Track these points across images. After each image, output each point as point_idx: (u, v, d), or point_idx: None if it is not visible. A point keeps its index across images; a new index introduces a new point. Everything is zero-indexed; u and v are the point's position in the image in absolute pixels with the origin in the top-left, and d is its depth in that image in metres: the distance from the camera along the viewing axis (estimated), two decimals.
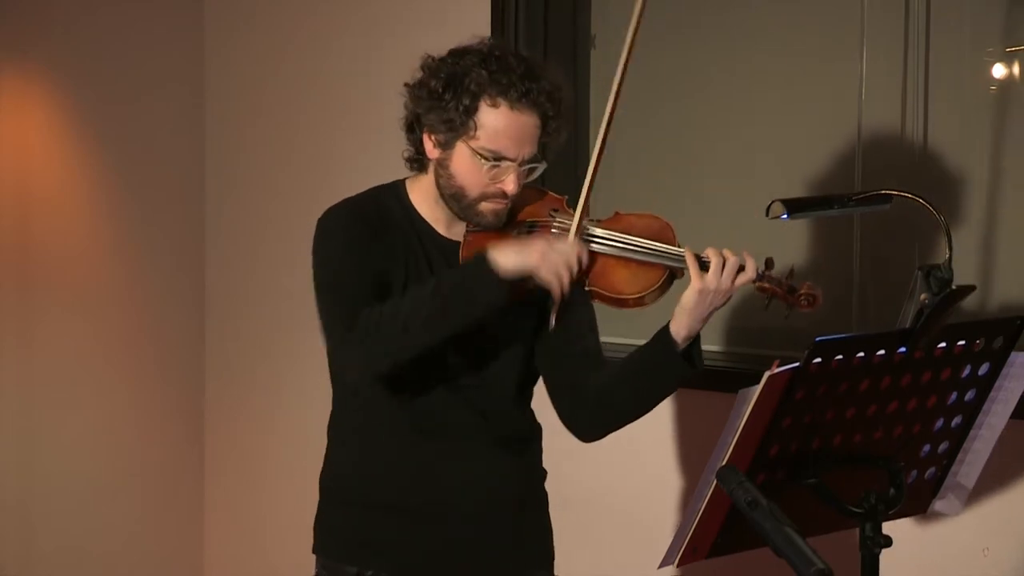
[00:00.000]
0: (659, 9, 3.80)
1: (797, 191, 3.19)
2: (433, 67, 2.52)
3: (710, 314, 2.43)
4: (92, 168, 4.23)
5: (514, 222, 2.55)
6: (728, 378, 3.16)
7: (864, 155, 3.40)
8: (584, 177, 2.50)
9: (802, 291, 2.41)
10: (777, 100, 3.56)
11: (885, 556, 2.16)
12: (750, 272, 2.41)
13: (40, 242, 4.09)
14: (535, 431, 2.71)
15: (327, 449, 2.71)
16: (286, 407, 4.32)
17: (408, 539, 2.60)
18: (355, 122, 4.15)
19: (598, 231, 2.50)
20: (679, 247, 2.46)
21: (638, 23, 2.52)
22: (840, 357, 2.09)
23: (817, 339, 2.07)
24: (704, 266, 2.41)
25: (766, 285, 2.42)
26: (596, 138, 2.50)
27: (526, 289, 2.43)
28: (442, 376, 2.56)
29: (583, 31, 3.87)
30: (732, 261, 2.41)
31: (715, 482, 2.07)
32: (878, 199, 2.57)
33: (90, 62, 4.20)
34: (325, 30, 4.24)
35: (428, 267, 2.56)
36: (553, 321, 2.45)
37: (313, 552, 2.71)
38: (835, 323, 3.42)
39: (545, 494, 2.74)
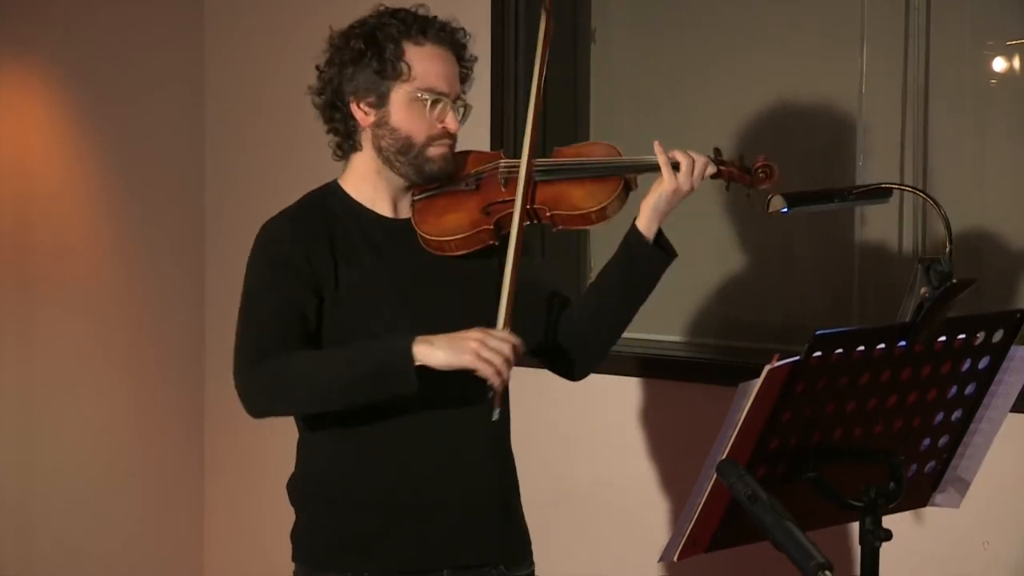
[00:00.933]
0: (659, 7, 3.80)
1: (797, 186, 3.17)
2: (343, 36, 2.58)
3: (674, 208, 2.55)
4: (92, 168, 4.23)
5: (461, 177, 2.59)
6: (728, 372, 3.17)
7: (865, 149, 3.40)
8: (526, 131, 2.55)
9: (758, 165, 2.54)
10: (778, 94, 3.56)
11: (885, 549, 2.16)
12: (710, 165, 2.53)
13: (40, 242, 4.09)
14: (506, 423, 2.69)
15: (298, 452, 2.69)
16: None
17: (391, 537, 2.57)
18: None
19: (544, 161, 2.56)
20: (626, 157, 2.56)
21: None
22: (840, 351, 2.09)
23: (817, 332, 2.06)
24: (676, 167, 2.51)
25: (723, 169, 2.54)
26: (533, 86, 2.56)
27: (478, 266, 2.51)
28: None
29: (583, 26, 3.87)
30: (700, 161, 2.52)
31: (715, 476, 2.06)
32: (878, 193, 2.57)
33: (90, 62, 4.20)
34: (325, 30, 4.23)
35: (376, 256, 2.56)
36: (496, 414, 2.44)
37: (292, 560, 2.68)
38: (835, 317, 3.42)
39: (516, 481, 2.72)
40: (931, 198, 2.46)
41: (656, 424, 3.57)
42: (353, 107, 2.55)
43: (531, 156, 2.53)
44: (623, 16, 3.85)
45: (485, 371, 2.38)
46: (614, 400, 3.57)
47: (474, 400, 2.54)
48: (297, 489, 2.68)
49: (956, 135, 3.33)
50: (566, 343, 2.65)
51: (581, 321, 2.63)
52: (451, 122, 2.53)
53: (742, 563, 2.80)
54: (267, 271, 2.56)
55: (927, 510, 2.43)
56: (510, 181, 2.54)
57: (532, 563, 2.70)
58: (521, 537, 2.70)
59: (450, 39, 2.56)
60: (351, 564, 2.58)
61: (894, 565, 2.40)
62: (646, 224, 2.53)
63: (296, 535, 2.68)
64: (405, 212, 2.59)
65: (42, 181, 4.10)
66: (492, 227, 2.53)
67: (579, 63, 3.86)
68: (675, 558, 2.18)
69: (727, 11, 3.68)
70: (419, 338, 2.40)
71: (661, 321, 3.59)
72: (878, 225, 3.40)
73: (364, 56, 2.52)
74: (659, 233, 2.56)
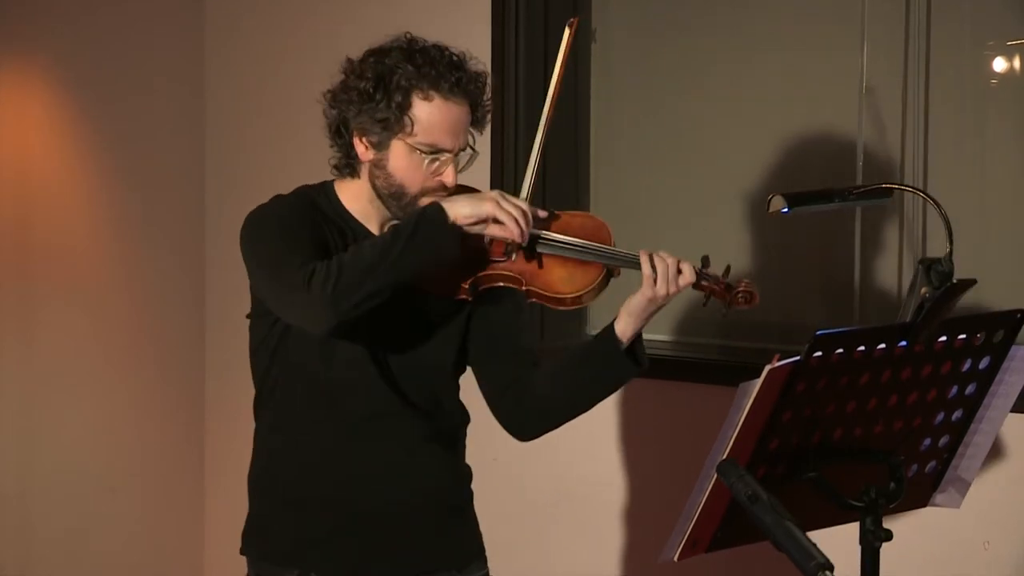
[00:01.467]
0: (659, 7, 3.80)
1: (798, 186, 3.18)
2: (357, 69, 2.52)
3: (653, 315, 2.48)
4: (92, 167, 4.23)
5: None
6: (728, 372, 3.17)
7: (865, 149, 3.40)
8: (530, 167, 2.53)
9: (739, 288, 2.46)
10: (778, 94, 3.56)
11: (886, 550, 2.16)
12: (690, 275, 2.44)
13: (40, 241, 4.09)
14: (463, 428, 2.69)
15: (253, 447, 2.67)
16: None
17: (340, 539, 2.56)
18: None
19: (536, 229, 2.48)
20: (614, 247, 2.48)
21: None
22: (841, 351, 2.09)
23: (818, 332, 2.06)
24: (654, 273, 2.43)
25: (704, 284, 2.47)
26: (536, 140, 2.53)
27: (461, 283, 2.45)
28: (368, 371, 2.53)
29: (583, 26, 3.87)
30: (674, 267, 2.43)
31: (715, 476, 2.07)
32: (879, 192, 2.56)
33: (90, 61, 4.20)
34: (324, 30, 4.24)
35: None
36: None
37: (241, 554, 2.67)
38: (835, 317, 3.42)
39: (471, 490, 2.71)
40: (931, 198, 2.46)
41: (656, 424, 3.57)
42: (355, 139, 2.52)
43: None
44: (623, 16, 3.85)
45: (504, 217, 2.37)
46: (614, 400, 3.57)
47: (425, 408, 2.56)
48: (255, 485, 2.67)
49: (956, 135, 3.33)
50: (519, 405, 2.61)
51: (540, 391, 2.59)
52: (448, 177, 2.48)
53: (742, 563, 2.80)
54: (280, 222, 2.51)
55: (927, 510, 2.43)
56: (495, 241, 2.48)
57: (485, 566, 2.70)
58: (473, 541, 2.70)
59: (463, 91, 2.48)
60: (299, 563, 2.58)
61: (895, 565, 2.40)
62: (622, 328, 2.47)
63: (247, 529, 2.68)
64: None
65: (42, 181, 4.10)
66: (468, 284, 2.48)
67: (579, 63, 3.85)
68: (675, 558, 2.19)
69: (727, 11, 3.68)
70: (444, 200, 2.40)
71: (661, 321, 3.58)
72: (878, 225, 3.40)
73: (372, 99, 2.47)
74: (638, 338, 2.51)
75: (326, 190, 2.62)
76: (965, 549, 3.09)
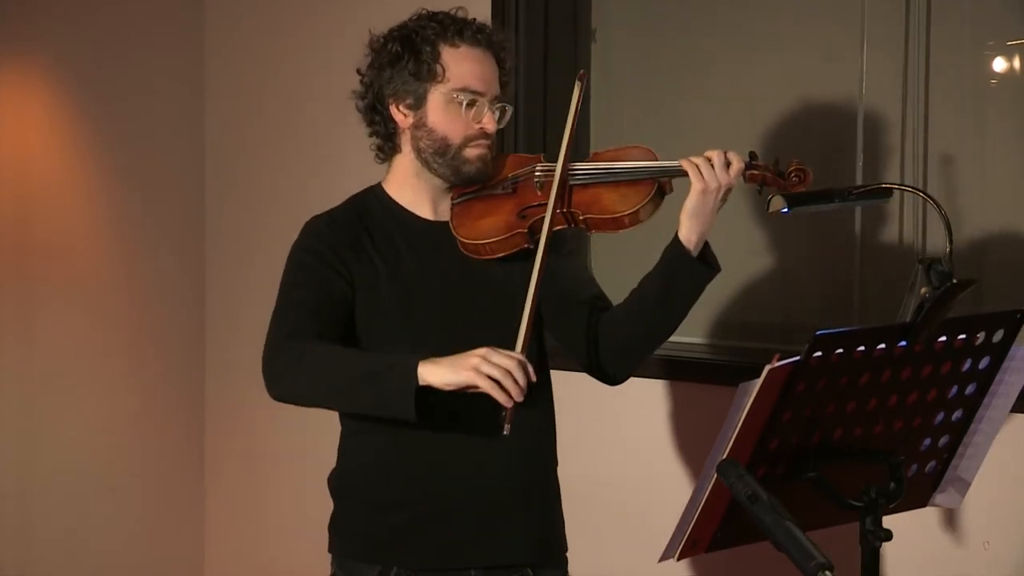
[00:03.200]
0: (659, 7, 3.80)
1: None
2: (381, 39, 2.61)
3: (714, 213, 2.49)
4: (92, 167, 4.23)
5: (498, 180, 2.60)
6: (728, 372, 3.18)
7: (865, 149, 3.40)
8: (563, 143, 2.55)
9: (791, 169, 2.49)
10: (778, 94, 3.56)
11: (886, 549, 2.16)
12: (739, 162, 2.48)
13: (40, 241, 4.09)
14: (550, 422, 2.71)
15: (339, 447, 2.71)
16: (286, 404, 4.31)
17: (424, 534, 2.59)
18: (355, 121, 4.11)
19: (579, 165, 2.56)
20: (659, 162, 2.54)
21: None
22: (840, 351, 2.09)
23: (818, 332, 2.06)
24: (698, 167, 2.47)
25: (756, 172, 2.50)
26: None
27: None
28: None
29: (583, 25, 3.87)
30: (722, 156, 2.46)
31: (715, 476, 2.07)
32: (879, 192, 2.56)
33: (90, 61, 4.20)
34: (324, 30, 4.24)
35: (416, 259, 2.58)
36: (507, 429, 2.38)
37: (329, 551, 2.70)
38: (836, 317, 3.42)
39: (558, 484, 2.73)
40: (931, 198, 2.46)
41: (656, 424, 3.57)
42: (392, 109, 2.58)
43: (565, 164, 2.53)
44: (623, 16, 3.86)
45: (485, 386, 2.33)
46: (614, 401, 3.56)
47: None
48: (337, 484, 2.71)
49: (956, 135, 3.33)
50: (603, 347, 2.63)
51: (618, 327, 2.61)
52: (488, 122, 2.55)
53: (742, 563, 2.80)
54: (302, 262, 2.60)
55: (927, 510, 2.43)
56: (545, 185, 2.55)
57: (564, 567, 2.72)
58: (554, 540, 2.71)
59: (487, 40, 2.57)
60: (383, 557, 2.61)
61: (895, 565, 2.41)
62: (686, 233, 2.49)
63: (333, 527, 2.71)
64: (445, 214, 2.61)
65: (42, 181, 4.10)
66: (526, 231, 2.54)
67: (579, 62, 3.86)
68: (675, 558, 2.19)
69: (727, 11, 3.68)
70: (425, 360, 2.37)
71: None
72: (878, 225, 3.40)
73: (401, 58, 2.55)
74: (706, 245, 2.52)
75: (375, 191, 2.67)
76: (965, 549, 3.09)
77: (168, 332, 4.44)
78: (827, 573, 1.82)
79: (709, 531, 2.19)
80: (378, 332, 2.57)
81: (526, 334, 2.43)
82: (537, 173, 2.58)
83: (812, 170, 2.50)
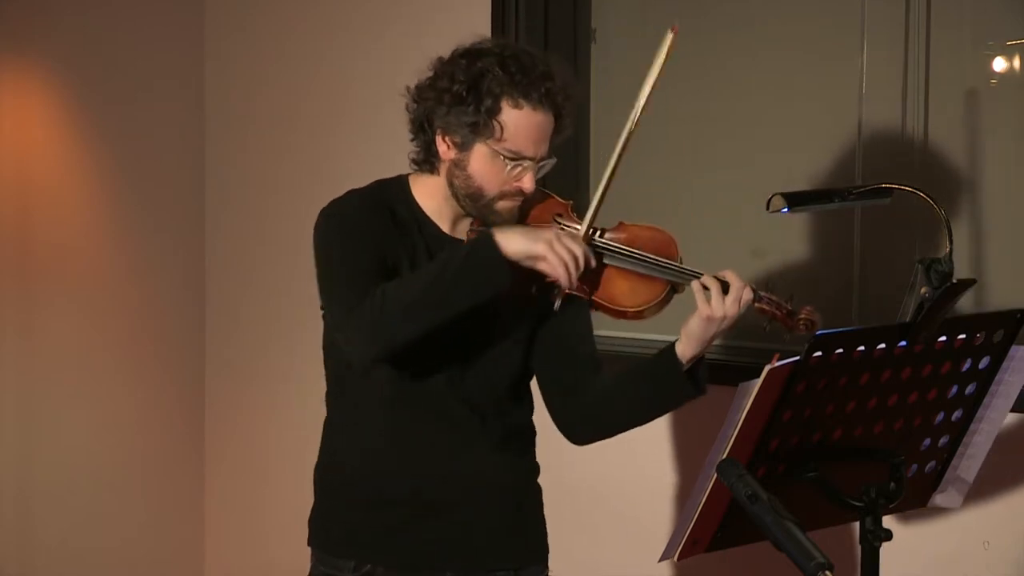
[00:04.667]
0: (659, 7, 3.80)
1: (798, 186, 3.18)
2: (448, 70, 2.50)
3: (714, 338, 2.45)
4: (92, 167, 4.23)
5: (523, 221, 2.54)
6: (728, 372, 3.16)
7: (865, 149, 3.40)
8: (593, 182, 2.52)
9: (801, 316, 2.43)
10: (778, 95, 3.56)
11: (886, 549, 2.16)
12: (749, 295, 2.42)
13: (41, 241, 4.09)
14: (530, 427, 2.71)
15: (322, 441, 2.71)
16: (286, 402, 4.32)
17: (404, 532, 2.59)
18: (355, 121, 4.15)
19: (603, 240, 2.49)
20: (680, 263, 2.47)
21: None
22: (840, 351, 2.09)
23: (818, 332, 2.07)
24: (725, 289, 2.41)
25: (766, 308, 2.44)
26: (615, 149, 2.50)
27: (529, 290, 2.43)
28: (437, 370, 2.55)
29: (583, 25, 3.87)
30: (736, 286, 2.41)
31: (715, 476, 2.07)
32: (878, 193, 2.56)
33: (90, 61, 4.20)
34: (324, 30, 4.24)
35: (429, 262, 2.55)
36: (557, 304, 2.42)
37: (308, 545, 2.71)
38: (836, 317, 3.42)
39: (539, 488, 2.74)
40: (931, 198, 2.46)
41: (656, 424, 3.56)
42: (439, 138, 2.52)
43: (591, 224, 2.49)
44: (623, 16, 3.85)
45: (553, 260, 2.34)
46: None
47: (494, 408, 2.59)
48: (321, 477, 2.71)
49: (956, 134, 3.33)
50: (578, 410, 2.63)
51: (597, 402, 2.61)
52: (527, 183, 2.48)
53: (742, 563, 2.80)
54: (348, 231, 2.52)
55: (927, 510, 2.43)
56: None
57: (546, 567, 2.71)
58: (536, 542, 2.71)
59: (551, 103, 2.48)
60: (363, 555, 2.61)
61: (895, 565, 2.40)
62: (682, 348, 2.46)
63: (314, 520, 2.71)
64: (461, 233, 2.57)
65: (42, 181, 4.10)
66: (535, 291, 2.46)
67: (579, 63, 3.85)
68: (675, 558, 2.19)
69: (727, 11, 3.68)
70: (496, 230, 2.38)
71: (661, 321, 3.58)
72: (878, 225, 3.40)
73: (462, 101, 2.46)
74: (699, 361, 2.49)
75: (401, 184, 2.62)
76: (965, 549, 3.09)
77: (168, 332, 4.44)
78: (827, 573, 1.82)
79: (709, 531, 2.19)
80: None
81: (590, 219, 2.45)
82: (558, 229, 2.49)
83: (820, 320, 2.44)
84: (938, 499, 2.40)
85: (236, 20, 4.43)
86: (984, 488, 2.47)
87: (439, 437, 2.58)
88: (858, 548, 2.17)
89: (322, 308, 2.59)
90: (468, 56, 2.50)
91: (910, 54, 3.33)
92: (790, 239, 3.55)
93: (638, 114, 2.51)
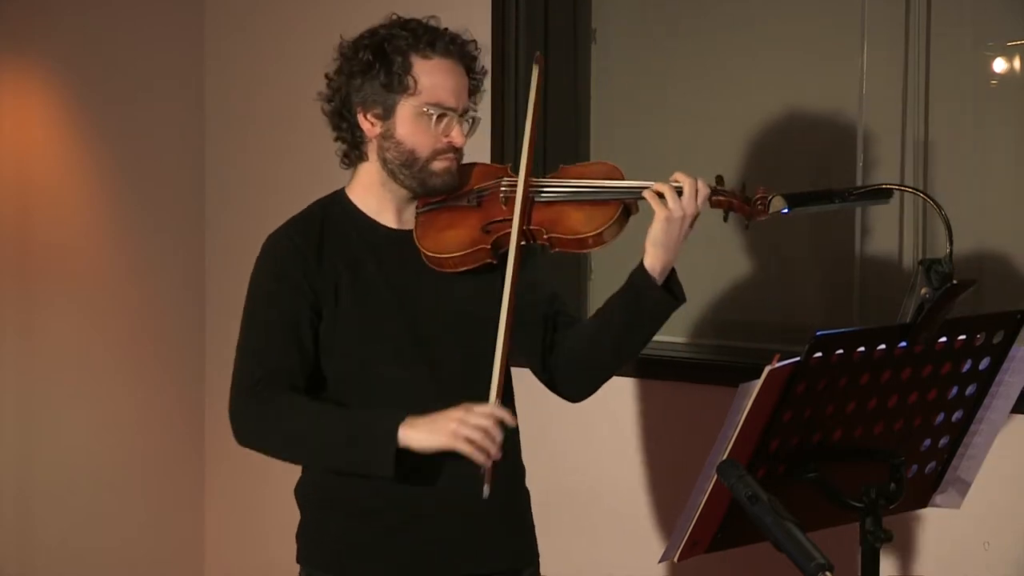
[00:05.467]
0: (659, 7, 3.80)
1: (798, 186, 3.18)
2: (351, 48, 2.57)
3: (680, 242, 2.46)
4: (92, 167, 4.23)
5: (464, 192, 2.57)
6: (728, 372, 3.17)
7: (865, 150, 3.40)
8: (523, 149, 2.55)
9: (757, 197, 2.47)
10: (778, 94, 3.56)
11: (886, 550, 2.16)
12: (704, 188, 2.46)
13: (41, 241, 4.10)
14: (515, 430, 2.66)
15: None
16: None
17: (392, 541, 2.57)
18: None
19: (545, 182, 2.53)
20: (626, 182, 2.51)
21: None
22: (841, 351, 2.09)
23: (818, 333, 2.06)
24: (678, 192, 2.45)
25: (722, 198, 2.48)
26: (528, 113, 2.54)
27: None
28: (417, 364, 2.54)
29: (583, 25, 3.87)
30: (689, 183, 2.44)
31: (715, 476, 2.07)
32: (879, 193, 2.56)
33: (90, 61, 4.20)
34: (324, 30, 4.23)
35: (377, 267, 2.56)
36: (486, 491, 2.39)
37: (297, 562, 2.69)
38: (835, 317, 3.42)
39: (527, 491, 2.72)
40: (931, 198, 2.46)
41: (656, 424, 3.57)
42: (360, 117, 2.54)
43: (527, 186, 2.51)
44: (623, 16, 3.85)
45: (465, 450, 2.36)
46: (614, 401, 3.57)
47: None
48: (304, 493, 2.69)
49: (956, 135, 3.33)
50: (564, 364, 2.62)
51: (580, 347, 2.59)
52: (457, 136, 2.52)
53: (742, 563, 2.80)
54: (266, 286, 2.57)
55: (927, 510, 2.43)
56: (510, 200, 2.52)
57: (537, 570, 2.71)
58: (526, 548, 2.70)
59: (459, 52, 2.53)
60: (354, 568, 2.59)
61: (895, 565, 2.40)
62: (650, 261, 2.46)
63: (302, 536, 2.69)
64: (409, 223, 2.58)
65: (43, 181, 4.11)
66: (490, 246, 2.51)
67: (579, 63, 3.86)
68: (676, 558, 2.18)
69: (727, 11, 3.68)
70: (403, 422, 2.39)
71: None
72: (878, 225, 3.40)
73: (372, 68, 2.51)
74: (672, 272, 2.50)
75: (338, 199, 2.63)
76: (965, 549, 3.09)
77: (168, 332, 4.44)
78: (827, 573, 1.82)
79: (709, 532, 2.19)
80: (341, 341, 2.54)
81: (499, 380, 2.43)
82: (503, 187, 2.55)
83: (777, 193, 2.47)
84: (938, 500, 2.40)
85: (236, 20, 4.43)
86: (984, 488, 2.46)
87: None
88: (858, 549, 2.17)
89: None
90: (367, 32, 2.58)
91: (910, 54, 3.33)
92: (790, 239, 3.55)
93: (527, 147, 2.54)
